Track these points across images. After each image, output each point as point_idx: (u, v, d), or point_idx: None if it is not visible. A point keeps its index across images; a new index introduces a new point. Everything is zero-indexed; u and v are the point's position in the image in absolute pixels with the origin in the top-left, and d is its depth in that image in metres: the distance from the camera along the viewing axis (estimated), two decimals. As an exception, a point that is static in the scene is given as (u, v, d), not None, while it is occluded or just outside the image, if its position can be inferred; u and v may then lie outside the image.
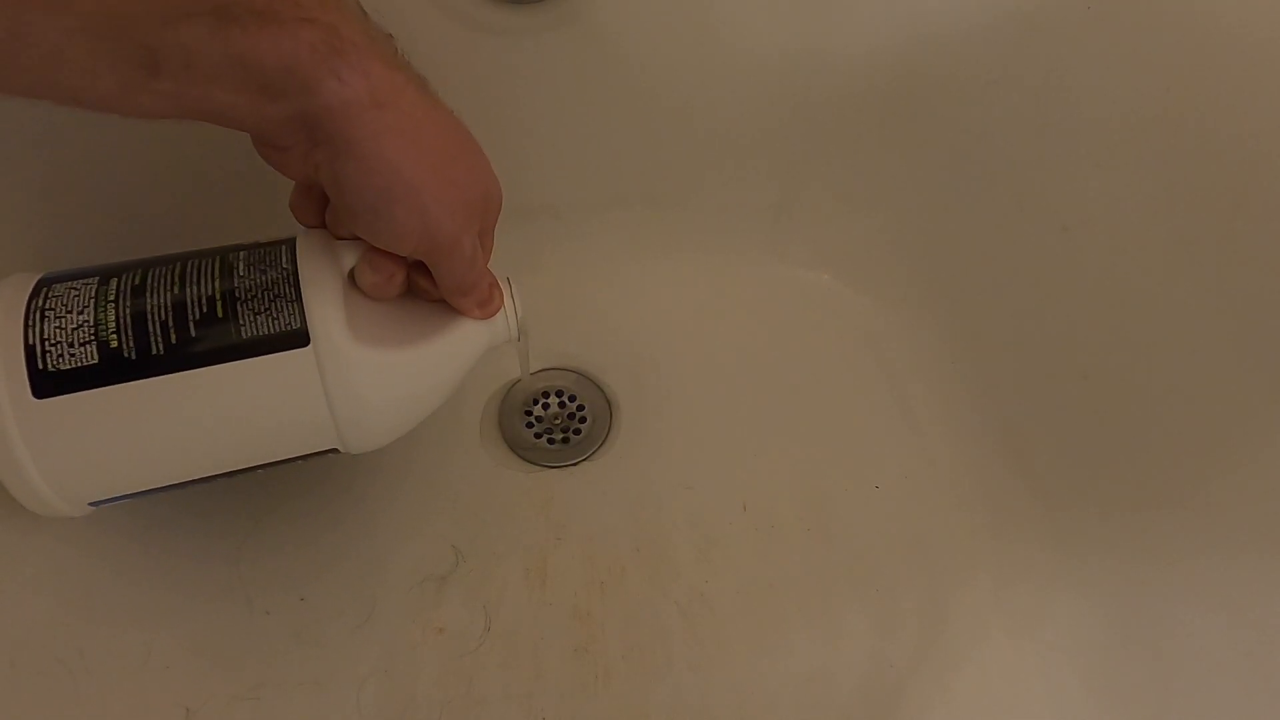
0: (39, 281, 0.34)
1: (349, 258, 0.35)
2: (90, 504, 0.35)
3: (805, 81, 0.52)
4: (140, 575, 0.43)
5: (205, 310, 0.33)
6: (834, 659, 0.44)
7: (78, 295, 0.33)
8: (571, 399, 0.55)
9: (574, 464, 0.51)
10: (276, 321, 0.33)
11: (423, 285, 0.36)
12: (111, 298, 0.33)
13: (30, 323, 0.32)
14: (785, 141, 0.55)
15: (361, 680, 0.42)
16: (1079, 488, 0.48)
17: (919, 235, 0.57)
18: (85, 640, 0.40)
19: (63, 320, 0.32)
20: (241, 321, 0.33)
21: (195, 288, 0.34)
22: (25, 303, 0.33)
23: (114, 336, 0.32)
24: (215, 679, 0.41)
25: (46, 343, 0.32)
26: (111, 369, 0.32)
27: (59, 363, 0.32)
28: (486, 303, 0.38)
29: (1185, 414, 0.44)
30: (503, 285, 0.39)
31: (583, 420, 0.54)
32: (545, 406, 0.54)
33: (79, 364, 0.32)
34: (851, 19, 0.50)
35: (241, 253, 0.35)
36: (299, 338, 0.34)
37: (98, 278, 0.34)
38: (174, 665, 0.41)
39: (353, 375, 0.34)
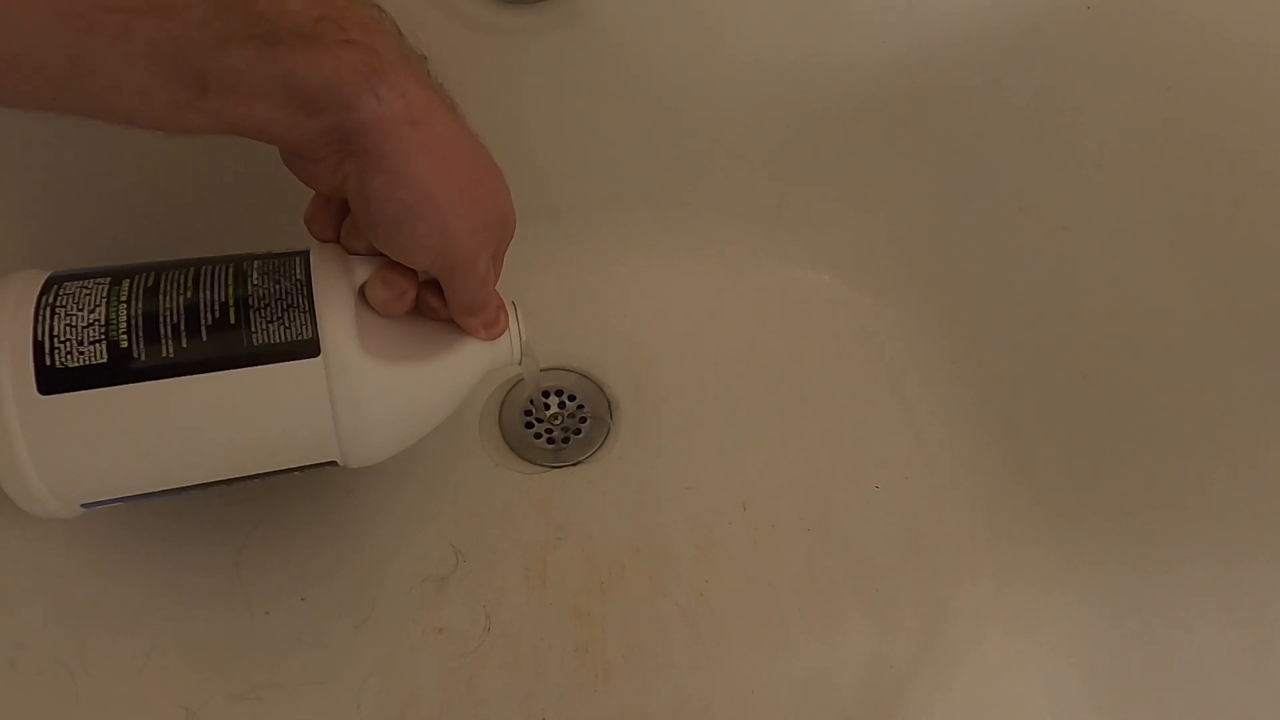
0: (50, 278, 0.34)
1: (361, 273, 0.35)
2: (83, 505, 0.35)
3: (806, 81, 0.52)
4: (141, 575, 0.43)
5: (218, 315, 0.33)
6: (834, 659, 0.44)
7: (89, 294, 0.33)
8: (571, 399, 0.55)
9: (574, 464, 0.51)
10: (289, 330, 0.33)
11: (431, 304, 0.36)
12: (124, 298, 0.33)
13: (40, 318, 0.32)
14: (785, 141, 0.55)
15: (361, 680, 0.42)
16: (1079, 488, 0.48)
17: (919, 235, 0.57)
18: (85, 641, 0.40)
19: (73, 318, 0.32)
20: (254, 329, 0.33)
21: (209, 292, 0.34)
22: (35, 298, 0.32)
23: (124, 336, 0.32)
24: (215, 679, 0.41)
25: (55, 339, 0.32)
26: (120, 369, 0.32)
27: (67, 360, 0.31)
28: (493, 324, 0.38)
29: (1185, 414, 0.44)
30: (508, 308, 0.39)
31: (583, 420, 0.54)
32: (545, 407, 0.54)
33: (87, 362, 0.31)
34: (852, 19, 0.50)
35: (255, 261, 0.35)
36: (310, 348, 0.34)
37: (110, 278, 0.34)
38: (174, 666, 0.41)
39: (359, 388, 0.34)
